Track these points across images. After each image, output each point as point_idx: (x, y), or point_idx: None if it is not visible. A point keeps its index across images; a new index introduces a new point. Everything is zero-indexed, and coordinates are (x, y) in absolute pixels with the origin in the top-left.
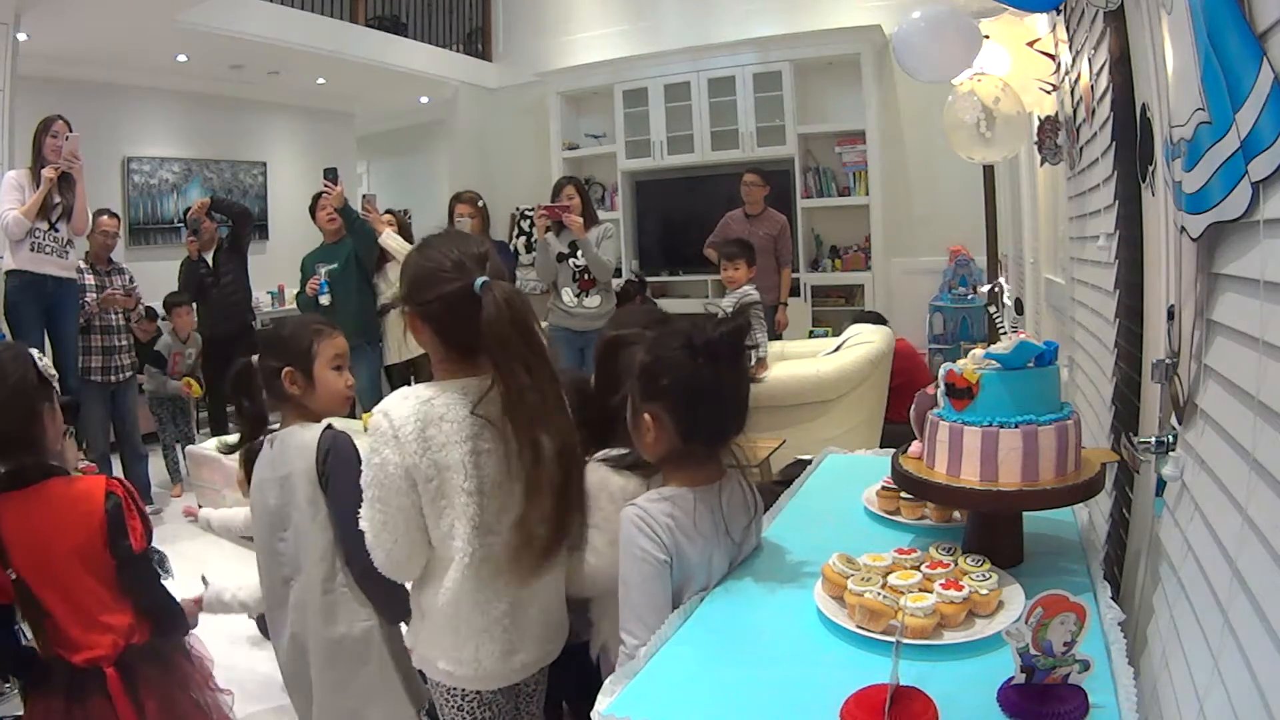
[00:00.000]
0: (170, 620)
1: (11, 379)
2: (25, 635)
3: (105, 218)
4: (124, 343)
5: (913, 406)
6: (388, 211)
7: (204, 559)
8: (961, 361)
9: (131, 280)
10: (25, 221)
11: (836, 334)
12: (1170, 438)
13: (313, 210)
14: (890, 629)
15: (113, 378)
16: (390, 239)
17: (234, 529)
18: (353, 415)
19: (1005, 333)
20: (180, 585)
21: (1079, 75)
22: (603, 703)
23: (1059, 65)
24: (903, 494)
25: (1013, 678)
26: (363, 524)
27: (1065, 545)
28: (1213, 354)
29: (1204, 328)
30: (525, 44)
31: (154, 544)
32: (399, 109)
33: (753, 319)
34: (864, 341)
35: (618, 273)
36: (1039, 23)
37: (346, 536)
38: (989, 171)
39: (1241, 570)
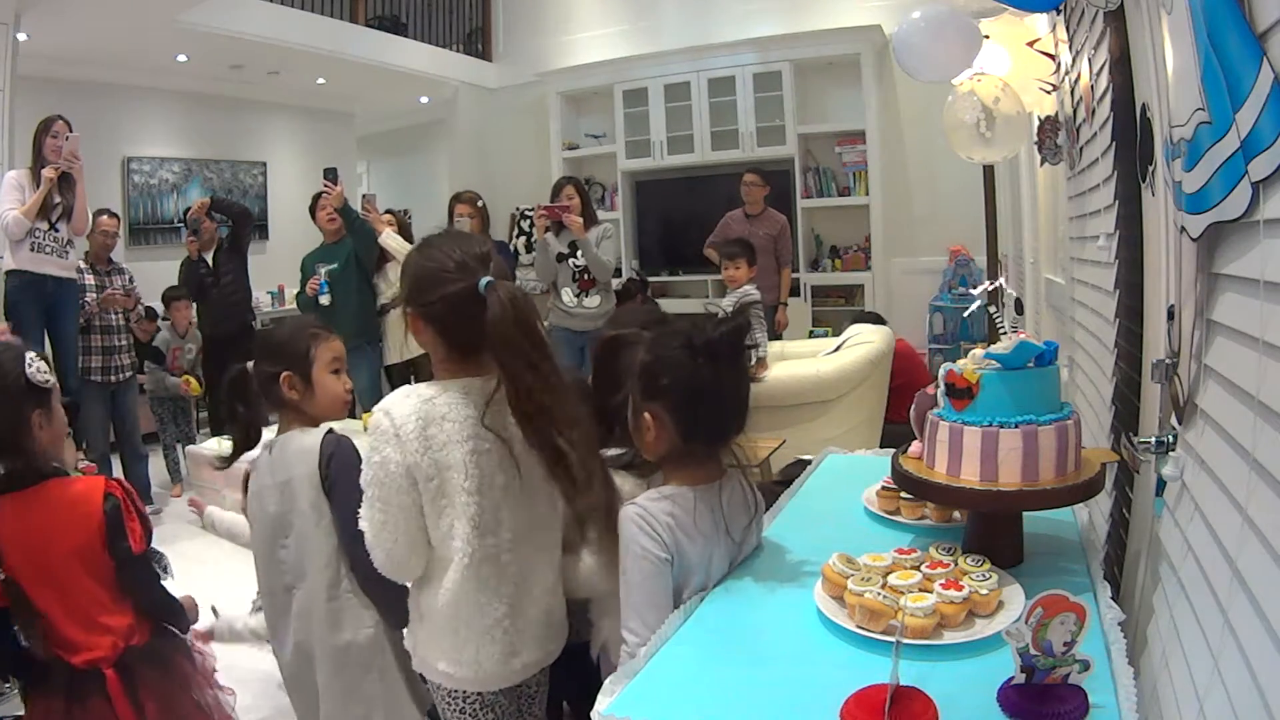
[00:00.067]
0: (171, 620)
1: None
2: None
3: (105, 218)
4: (124, 343)
5: (913, 406)
6: (388, 211)
7: (204, 559)
8: (961, 361)
9: (131, 280)
10: (25, 221)
11: (836, 334)
12: (1170, 438)
13: (313, 210)
14: (890, 629)
15: (113, 378)
16: (390, 239)
17: (239, 538)
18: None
19: (1005, 333)
20: (180, 586)
21: (1079, 75)
22: (603, 703)
23: (1059, 65)
24: (903, 494)
25: (1013, 678)
26: (362, 524)
27: (1065, 545)
28: (1213, 354)
29: (1204, 328)
30: (525, 44)
31: (154, 544)
32: (399, 109)
33: (752, 318)
34: (864, 341)
35: (617, 273)
36: (1039, 23)
37: (351, 542)
38: (989, 171)
39: (1241, 570)
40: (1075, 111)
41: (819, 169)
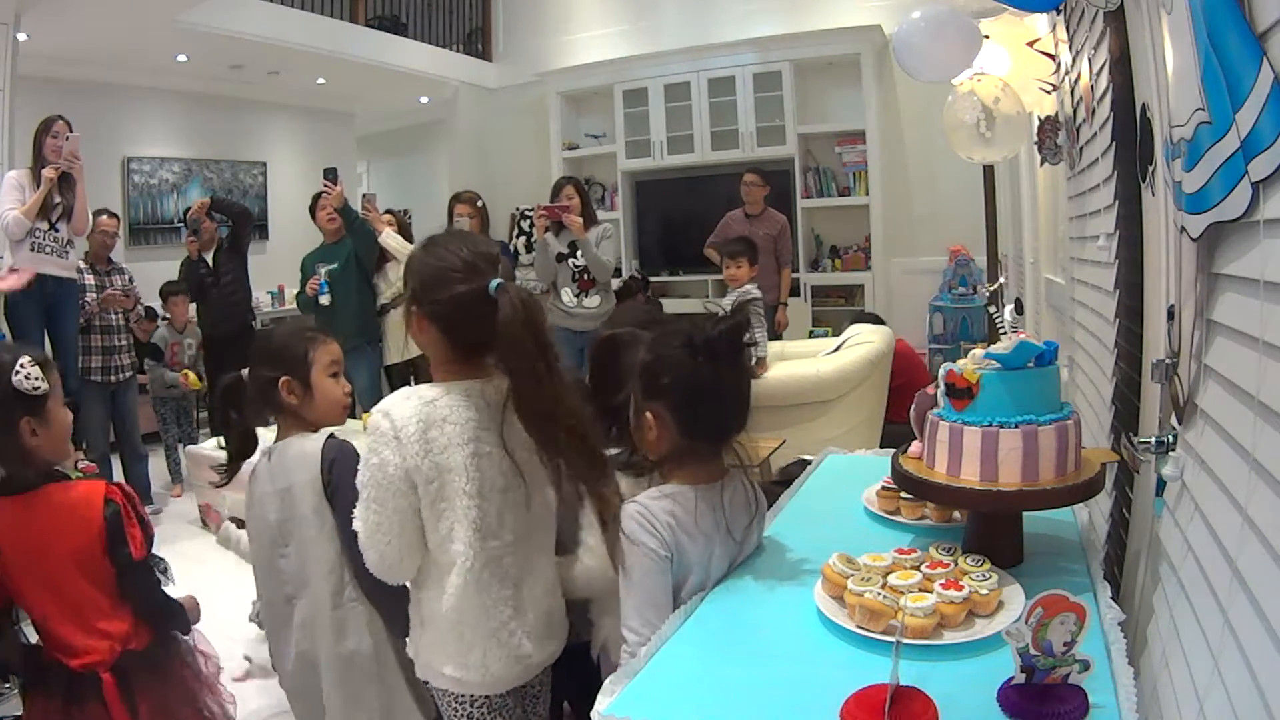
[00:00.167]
0: (172, 624)
1: None
2: (25, 636)
3: (104, 217)
4: (124, 343)
5: (913, 406)
6: (388, 211)
7: (204, 559)
8: (961, 361)
9: (131, 280)
10: (25, 221)
11: (836, 334)
12: (1170, 438)
13: (313, 210)
14: (890, 629)
15: (113, 378)
16: (390, 239)
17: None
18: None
19: (1005, 333)
20: (180, 586)
21: (1079, 75)
22: (603, 703)
23: (1059, 65)
24: (903, 494)
25: (1013, 678)
26: (356, 524)
27: (1065, 545)
28: (1213, 354)
29: (1204, 328)
30: (525, 44)
31: (154, 547)
32: (399, 109)
33: (751, 316)
34: (864, 341)
35: (617, 273)
36: (1039, 23)
37: (356, 548)
38: (989, 171)
39: (1241, 570)
40: (1075, 111)
41: (819, 169)
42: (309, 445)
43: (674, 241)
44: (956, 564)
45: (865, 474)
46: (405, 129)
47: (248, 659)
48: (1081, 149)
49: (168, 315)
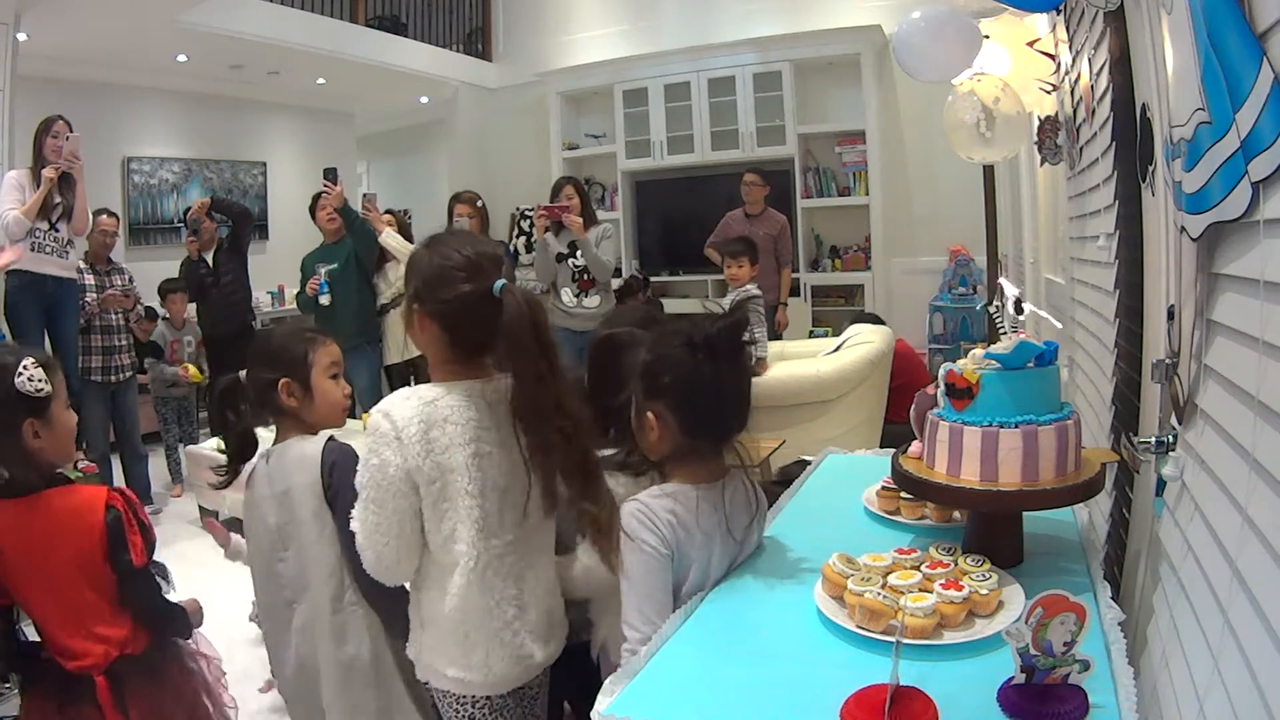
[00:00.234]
0: (172, 629)
1: None
2: (24, 634)
3: (104, 217)
4: (124, 343)
5: (913, 406)
6: (388, 211)
7: (204, 560)
8: (961, 361)
9: (131, 280)
10: (25, 221)
11: (836, 334)
12: (1170, 438)
13: (313, 210)
14: (890, 629)
15: (113, 378)
16: (390, 238)
17: None
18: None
19: (1005, 333)
20: (180, 586)
21: (1079, 75)
22: (603, 703)
23: (1059, 65)
24: (903, 494)
25: (1013, 678)
26: (354, 524)
27: (1065, 545)
28: (1213, 354)
29: (1204, 328)
30: (525, 44)
31: (155, 553)
32: (399, 109)
33: (751, 314)
34: (864, 342)
35: (617, 273)
36: (1039, 23)
37: (357, 553)
38: (989, 171)
39: (1241, 570)
40: (1075, 111)
41: (819, 169)
42: (308, 448)
43: (674, 241)
44: (956, 564)
45: (865, 474)
46: (405, 129)
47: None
48: (1081, 149)
49: (166, 314)
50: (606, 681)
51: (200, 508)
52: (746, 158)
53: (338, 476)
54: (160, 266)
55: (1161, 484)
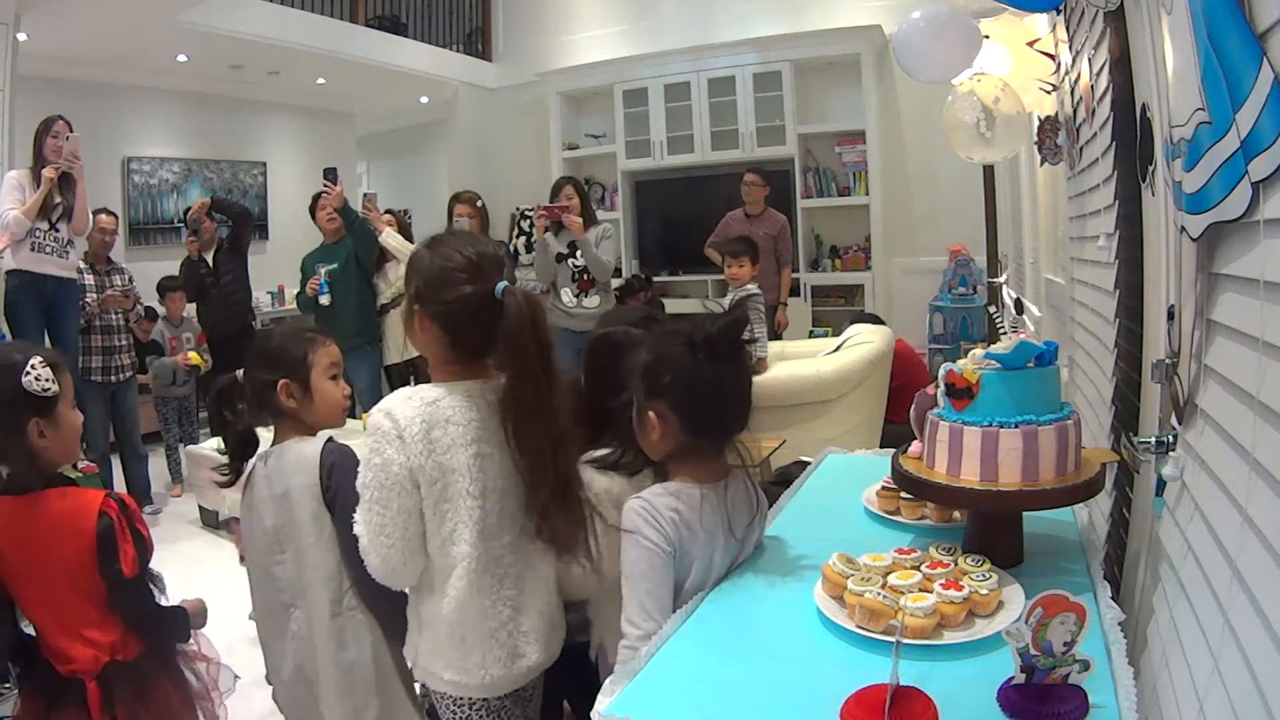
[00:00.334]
0: (165, 634)
1: None
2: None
3: (103, 216)
4: (124, 343)
5: (913, 406)
6: (388, 211)
7: (204, 559)
8: (961, 361)
9: (131, 280)
10: (25, 221)
11: (836, 334)
12: (1170, 438)
13: (313, 210)
14: (890, 629)
15: (113, 378)
16: (390, 238)
17: None
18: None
19: (1005, 333)
20: (180, 586)
21: (1079, 75)
22: (603, 703)
23: (1059, 65)
24: (903, 494)
25: (1013, 678)
26: (357, 527)
27: (1065, 545)
28: (1213, 354)
29: (1204, 328)
30: (525, 44)
31: (154, 549)
32: (399, 109)
33: (751, 313)
34: (864, 342)
35: (617, 273)
36: (1039, 23)
37: (356, 554)
38: (989, 171)
39: (1241, 570)
40: (1075, 111)
41: (819, 169)
42: (307, 449)
43: (674, 241)
44: (956, 564)
45: (865, 474)
46: (405, 129)
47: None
48: (1081, 149)
49: (164, 313)
50: (606, 681)
51: (201, 509)
52: (746, 158)
53: (337, 478)
54: (160, 266)
55: (1161, 484)
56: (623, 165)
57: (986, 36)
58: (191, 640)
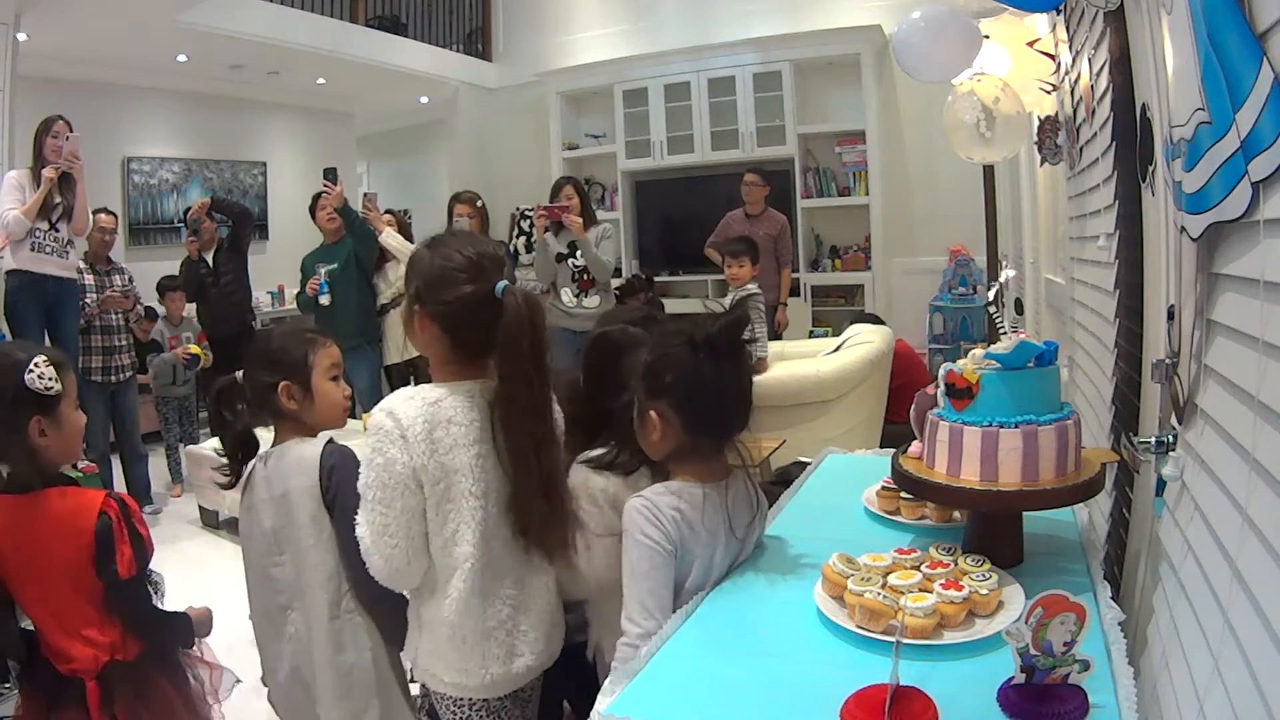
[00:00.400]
0: (164, 637)
1: None
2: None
3: (102, 215)
4: (124, 343)
5: (913, 406)
6: (388, 211)
7: (204, 559)
8: (961, 361)
9: (130, 280)
10: (25, 221)
11: (836, 334)
12: (1170, 438)
13: (313, 210)
14: (890, 629)
15: (113, 378)
16: (390, 238)
17: None
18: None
19: (1005, 333)
20: (180, 586)
21: (1079, 75)
22: (603, 703)
23: (1059, 65)
24: (903, 494)
25: (1013, 678)
26: (360, 529)
27: (1065, 545)
28: (1213, 354)
29: (1204, 328)
30: (525, 44)
31: (154, 550)
32: (399, 109)
33: (751, 312)
34: (864, 342)
35: (617, 273)
36: (1039, 23)
37: (355, 556)
38: (989, 171)
39: (1241, 570)
40: (1075, 111)
41: (819, 169)
42: (307, 450)
43: (674, 241)
44: (956, 564)
45: (865, 474)
46: (405, 129)
47: None
48: (1081, 149)
49: (164, 312)
50: (607, 681)
51: (201, 509)
52: (746, 158)
53: (337, 480)
54: (160, 266)
55: (1161, 484)
56: (623, 165)
57: (986, 36)
58: (195, 647)
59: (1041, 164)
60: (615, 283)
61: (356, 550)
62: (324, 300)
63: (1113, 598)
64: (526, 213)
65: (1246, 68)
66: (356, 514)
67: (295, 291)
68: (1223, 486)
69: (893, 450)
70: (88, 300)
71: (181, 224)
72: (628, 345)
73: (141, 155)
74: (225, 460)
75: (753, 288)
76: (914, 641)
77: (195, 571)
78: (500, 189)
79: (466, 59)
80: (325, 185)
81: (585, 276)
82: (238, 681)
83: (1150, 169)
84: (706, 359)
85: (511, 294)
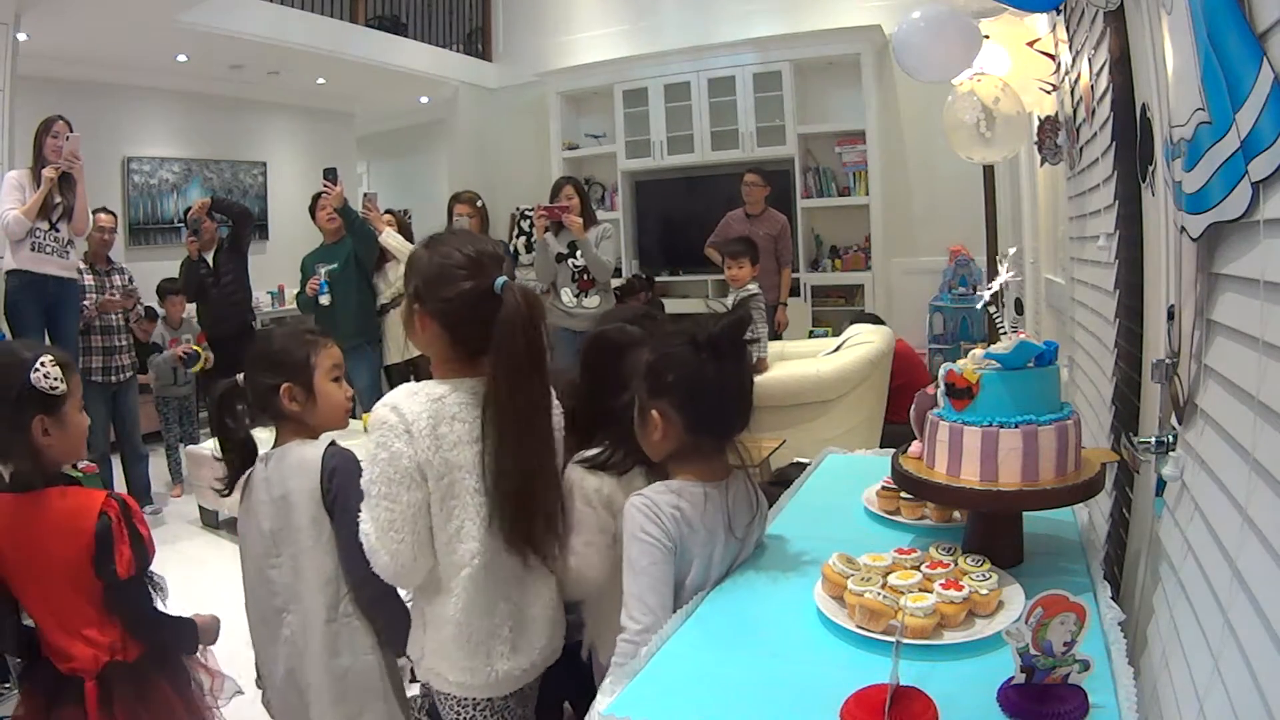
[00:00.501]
0: (163, 640)
1: None
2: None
3: (101, 214)
4: (124, 343)
5: (913, 406)
6: (388, 211)
7: (204, 559)
8: (961, 361)
9: (130, 280)
10: (25, 221)
11: (836, 334)
12: (1170, 438)
13: (313, 210)
14: (890, 629)
15: (113, 378)
16: (390, 238)
17: None
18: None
19: (1005, 333)
20: (180, 586)
21: (1079, 75)
22: (602, 702)
23: (1059, 65)
24: (903, 494)
25: (1013, 678)
26: (364, 527)
27: (1065, 545)
28: (1213, 354)
29: (1204, 328)
30: (525, 44)
31: (154, 551)
32: (399, 109)
33: (753, 311)
34: (864, 342)
35: (617, 273)
36: (1039, 23)
37: (355, 559)
38: (989, 171)
39: (1241, 570)
40: (1075, 111)
41: (819, 169)
42: (309, 452)
43: (674, 241)
44: (956, 564)
45: (865, 474)
46: (405, 129)
47: None
48: (1081, 149)
49: (164, 314)
50: (606, 680)
51: (201, 509)
52: (746, 158)
53: (338, 482)
54: (160, 266)
55: (1161, 484)
56: (623, 165)
57: (986, 36)
58: (200, 653)
59: (1041, 164)
60: (615, 283)
61: (357, 552)
62: (324, 300)
63: (1113, 598)
64: (526, 213)
65: (1246, 68)
66: (359, 515)
67: (295, 291)
68: (1223, 486)
69: (893, 450)
70: (86, 302)
71: (181, 224)
72: (626, 344)
73: (141, 155)
74: (225, 467)
75: (754, 288)
76: (914, 641)
77: (195, 572)
78: (500, 189)
79: (466, 59)
80: (325, 185)
81: (585, 276)
82: (239, 692)
83: (1150, 169)
84: (709, 359)
85: (511, 290)
